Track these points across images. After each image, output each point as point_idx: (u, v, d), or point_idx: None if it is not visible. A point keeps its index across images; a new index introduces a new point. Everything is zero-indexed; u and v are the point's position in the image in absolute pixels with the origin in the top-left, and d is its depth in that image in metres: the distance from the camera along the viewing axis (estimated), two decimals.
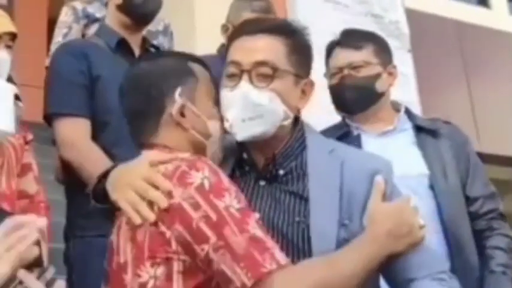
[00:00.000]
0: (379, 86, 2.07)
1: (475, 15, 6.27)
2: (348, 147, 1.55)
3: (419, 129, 2.09)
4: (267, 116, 1.42)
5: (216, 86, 1.50)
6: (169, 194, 1.28)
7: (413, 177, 1.97)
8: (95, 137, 2.07)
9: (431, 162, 2.02)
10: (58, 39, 2.83)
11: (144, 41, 2.31)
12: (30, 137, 2.08)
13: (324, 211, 1.38)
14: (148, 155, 1.41)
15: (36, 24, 3.85)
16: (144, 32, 2.36)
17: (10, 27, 2.01)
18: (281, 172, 1.45)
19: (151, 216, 1.29)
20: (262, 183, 1.46)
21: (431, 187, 2.00)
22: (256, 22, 1.56)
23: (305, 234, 1.37)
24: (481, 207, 2.02)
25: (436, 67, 5.47)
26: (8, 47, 2.00)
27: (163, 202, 1.28)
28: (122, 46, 2.21)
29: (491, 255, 1.97)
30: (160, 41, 2.88)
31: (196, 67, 1.47)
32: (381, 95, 2.07)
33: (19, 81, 2.39)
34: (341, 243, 1.35)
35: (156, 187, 1.30)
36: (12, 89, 1.95)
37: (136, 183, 1.33)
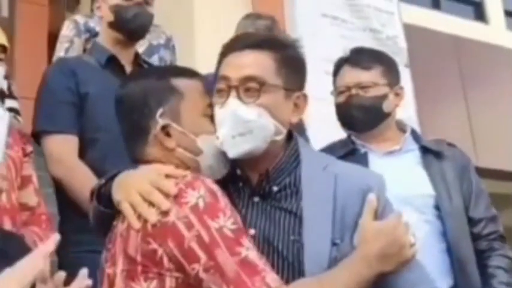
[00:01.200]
0: (386, 106, 2.11)
1: (472, 30, 6.30)
2: (341, 162, 1.55)
3: (424, 150, 2.12)
4: (257, 132, 1.40)
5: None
6: (165, 212, 1.28)
7: (420, 197, 2.02)
8: (83, 153, 2.10)
9: (436, 183, 2.06)
10: (60, 53, 2.86)
11: (137, 56, 2.34)
12: (30, 149, 2.09)
13: (317, 230, 1.38)
14: (154, 166, 1.41)
15: (36, 38, 3.87)
16: (144, 47, 2.39)
17: (1, 39, 2.00)
18: (275, 188, 1.44)
19: (153, 218, 1.29)
20: (256, 199, 1.45)
21: (437, 207, 2.04)
22: (244, 38, 1.57)
23: (300, 253, 1.37)
24: (483, 228, 2.08)
25: (434, 82, 5.49)
26: (0, 60, 1.99)
27: (165, 206, 1.28)
28: (112, 63, 2.24)
29: (493, 274, 2.03)
30: (162, 54, 2.90)
31: (180, 82, 1.45)
32: (387, 115, 2.11)
33: (19, 94, 2.41)
34: (332, 262, 1.35)
35: (162, 192, 1.30)
36: (6, 118, 1.95)
37: (142, 185, 1.33)
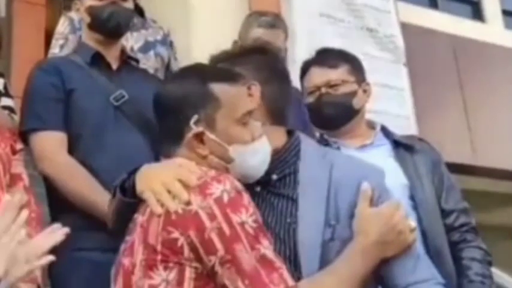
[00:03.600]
0: (356, 103, 2.18)
1: (469, 29, 6.30)
2: (342, 154, 1.63)
3: (396, 145, 2.18)
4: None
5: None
6: (187, 201, 1.30)
7: (396, 188, 2.03)
8: (71, 149, 2.10)
9: (410, 174, 2.12)
10: (55, 50, 2.85)
11: (123, 52, 2.34)
12: (19, 146, 2.06)
13: (311, 212, 1.43)
14: (178, 159, 1.42)
15: (34, 37, 3.86)
16: (140, 43, 2.39)
17: None
18: (274, 177, 1.50)
19: (173, 206, 1.29)
20: (257, 189, 1.50)
21: (412, 198, 2.09)
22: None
23: (295, 234, 1.42)
24: (455, 220, 2.13)
25: (432, 81, 5.49)
26: None
27: (184, 196, 1.29)
28: (97, 60, 2.24)
29: (469, 265, 2.07)
30: (158, 50, 2.89)
31: (220, 88, 1.43)
32: (357, 112, 2.18)
33: (16, 94, 2.40)
34: (326, 243, 1.40)
35: (183, 184, 1.32)
36: None
37: (164, 176, 1.35)
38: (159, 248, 1.29)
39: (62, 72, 2.16)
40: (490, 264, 2.13)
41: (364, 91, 2.21)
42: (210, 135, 1.41)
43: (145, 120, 2.10)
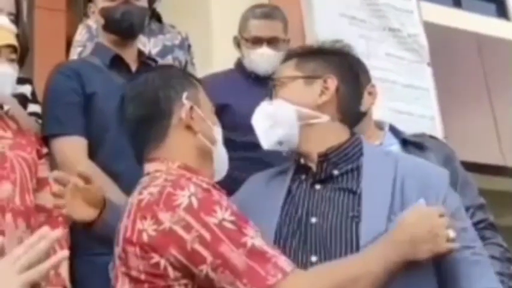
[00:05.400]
0: (362, 105, 2.09)
1: (494, 27, 6.21)
2: (404, 154, 1.64)
3: (405, 144, 2.15)
4: (280, 119, 1.55)
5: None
6: (158, 220, 1.26)
7: None
8: (93, 154, 2.08)
9: None
10: (73, 58, 2.84)
11: (140, 54, 2.32)
12: (45, 150, 2.07)
13: (375, 206, 1.41)
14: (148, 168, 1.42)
15: (54, 44, 3.88)
16: (158, 48, 2.37)
17: (9, 39, 1.96)
18: (336, 172, 1.49)
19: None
20: (318, 187, 1.50)
21: None
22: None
23: (358, 228, 1.40)
24: (471, 217, 2.03)
25: (457, 80, 5.42)
26: (11, 60, 1.96)
27: None
28: (117, 62, 2.22)
29: None
30: (176, 55, 2.87)
31: (192, 78, 1.54)
32: (364, 114, 2.12)
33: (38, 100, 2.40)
34: None
35: None
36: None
37: None
38: (143, 277, 1.27)
39: (82, 75, 2.15)
40: (510, 261, 2.07)
41: (370, 93, 2.18)
42: (199, 111, 1.46)
43: None
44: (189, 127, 1.43)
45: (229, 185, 2.29)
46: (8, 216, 1.82)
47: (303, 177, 1.54)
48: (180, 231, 1.24)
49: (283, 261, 1.26)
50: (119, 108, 1.52)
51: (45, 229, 1.13)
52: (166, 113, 1.43)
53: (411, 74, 4.70)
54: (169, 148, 1.42)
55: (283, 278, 1.22)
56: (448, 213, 1.39)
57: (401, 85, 4.57)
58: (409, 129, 2.35)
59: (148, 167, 1.44)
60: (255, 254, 1.23)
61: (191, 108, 1.44)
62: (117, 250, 1.36)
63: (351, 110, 1.61)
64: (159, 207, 1.27)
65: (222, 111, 2.40)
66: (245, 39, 2.55)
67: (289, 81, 1.58)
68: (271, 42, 2.51)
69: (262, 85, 2.51)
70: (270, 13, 2.57)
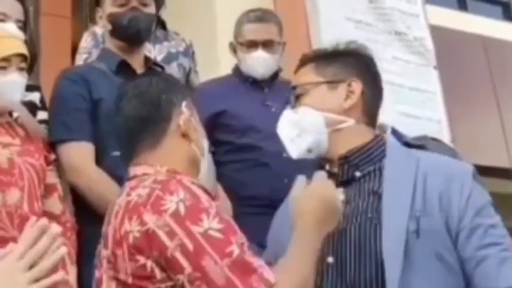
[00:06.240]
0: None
1: (500, 30, 6.20)
2: (429, 152, 1.61)
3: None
4: (308, 127, 1.52)
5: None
6: (141, 222, 1.25)
7: None
8: (98, 159, 2.08)
9: None
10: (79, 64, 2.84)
11: (147, 60, 2.32)
12: (53, 156, 2.07)
13: (396, 205, 1.40)
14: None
15: (60, 50, 3.89)
16: (163, 55, 2.36)
17: (20, 48, 1.96)
18: (358, 174, 1.49)
19: None
20: (340, 197, 1.47)
21: None
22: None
23: (377, 229, 1.39)
24: None
25: (463, 84, 5.40)
26: (21, 69, 1.96)
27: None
28: (123, 68, 2.21)
29: None
30: (180, 62, 2.87)
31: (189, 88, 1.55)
32: None
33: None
34: (411, 234, 1.37)
35: None
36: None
37: None
38: (130, 280, 1.26)
39: (89, 81, 2.14)
40: None
41: None
42: (194, 122, 1.46)
43: None
44: (185, 135, 1.43)
45: (228, 186, 2.33)
46: (16, 223, 1.82)
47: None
48: (163, 237, 1.22)
49: (269, 273, 1.23)
50: (115, 103, 1.50)
51: (43, 221, 1.11)
52: (165, 117, 1.42)
53: (418, 78, 4.68)
54: (163, 152, 1.41)
55: None
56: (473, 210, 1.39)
57: (408, 88, 4.55)
58: (416, 132, 2.33)
59: (136, 169, 1.42)
60: (240, 265, 1.21)
61: (189, 118, 1.44)
62: (106, 253, 1.34)
63: (375, 110, 1.62)
64: (145, 208, 1.26)
65: (219, 117, 2.43)
66: (240, 44, 2.55)
67: (312, 87, 1.56)
68: (266, 45, 2.51)
69: (260, 89, 2.54)
70: (263, 16, 2.57)
